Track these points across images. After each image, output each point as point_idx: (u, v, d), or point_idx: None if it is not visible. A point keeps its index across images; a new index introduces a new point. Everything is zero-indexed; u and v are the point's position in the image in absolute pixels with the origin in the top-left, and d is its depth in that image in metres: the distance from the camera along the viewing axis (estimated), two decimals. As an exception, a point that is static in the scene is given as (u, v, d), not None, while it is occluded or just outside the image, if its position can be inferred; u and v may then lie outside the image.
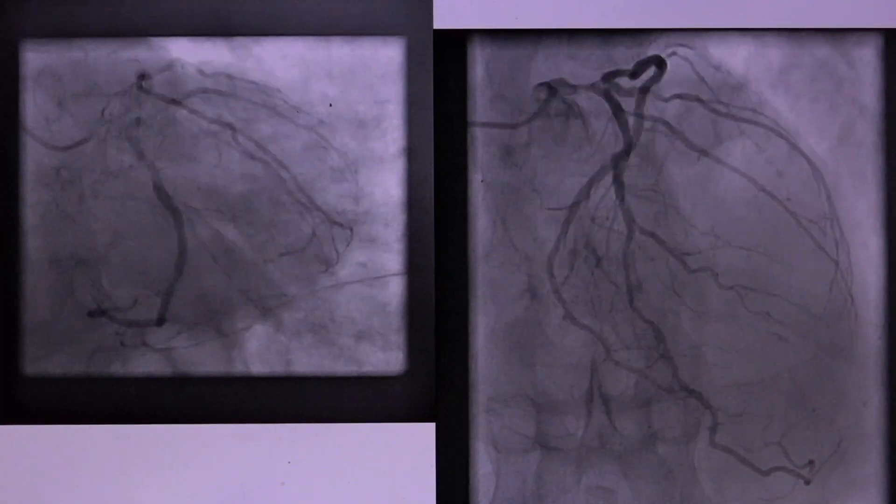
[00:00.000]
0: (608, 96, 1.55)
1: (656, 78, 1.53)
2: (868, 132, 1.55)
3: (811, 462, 1.55)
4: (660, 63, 1.51)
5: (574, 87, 1.55)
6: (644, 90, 1.54)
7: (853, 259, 1.55)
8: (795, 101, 1.55)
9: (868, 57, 1.56)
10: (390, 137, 1.54)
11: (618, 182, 1.54)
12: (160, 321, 1.53)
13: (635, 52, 1.55)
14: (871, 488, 1.54)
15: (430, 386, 1.53)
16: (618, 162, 1.54)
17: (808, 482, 1.54)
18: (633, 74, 1.50)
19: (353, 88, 1.55)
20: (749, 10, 1.54)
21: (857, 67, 1.56)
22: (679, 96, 1.55)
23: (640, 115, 1.54)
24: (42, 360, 1.53)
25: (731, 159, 1.55)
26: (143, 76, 1.54)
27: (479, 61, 1.56)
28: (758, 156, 1.55)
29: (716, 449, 1.55)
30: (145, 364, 1.53)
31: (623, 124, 1.55)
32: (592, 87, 1.55)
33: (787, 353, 1.54)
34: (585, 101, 1.55)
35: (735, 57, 1.55)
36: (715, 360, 1.54)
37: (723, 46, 1.55)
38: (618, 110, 1.55)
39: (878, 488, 1.54)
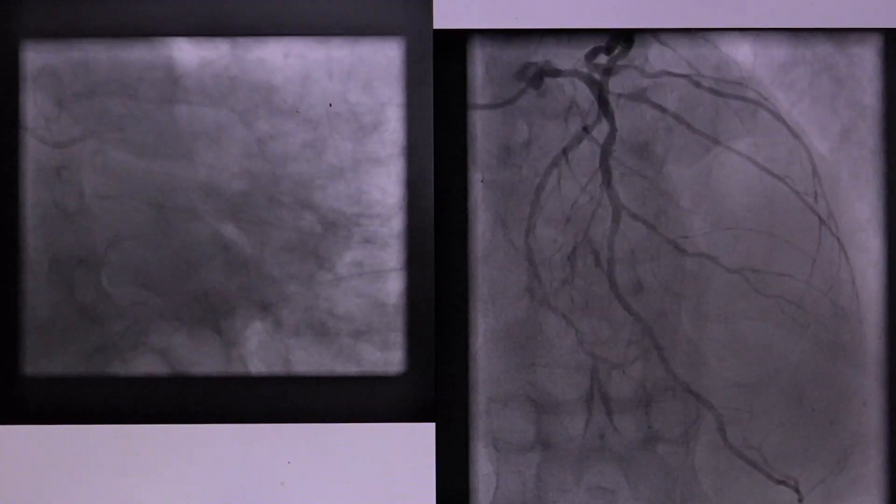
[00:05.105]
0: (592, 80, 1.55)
1: (623, 54, 1.53)
2: (868, 132, 1.55)
3: (811, 462, 1.54)
4: (628, 39, 1.52)
5: (558, 70, 1.55)
6: (617, 69, 1.54)
7: (853, 259, 1.55)
8: (797, 100, 1.55)
9: (869, 56, 1.56)
10: (390, 137, 1.54)
11: (604, 167, 1.54)
12: (159, 321, 1.53)
13: (635, 51, 1.55)
14: (872, 489, 1.54)
15: (430, 386, 1.53)
16: (607, 147, 1.54)
17: (808, 482, 1.54)
18: (609, 50, 1.51)
19: (352, 88, 1.55)
20: (750, 10, 1.54)
21: (858, 67, 1.56)
22: (679, 94, 1.55)
23: (633, 98, 1.54)
24: (42, 360, 1.53)
25: (731, 156, 1.55)
26: (142, 76, 1.55)
27: (479, 61, 1.56)
28: (759, 154, 1.55)
29: (716, 449, 1.54)
30: (145, 364, 1.53)
31: (607, 108, 1.55)
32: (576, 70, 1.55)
33: (788, 353, 1.54)
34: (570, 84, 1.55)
35: (736, 56, 1.55)
36: (715, 360, 1.54)
37: (723, 46, 1.55)
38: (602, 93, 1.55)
39: (878, 489, 1.54)
